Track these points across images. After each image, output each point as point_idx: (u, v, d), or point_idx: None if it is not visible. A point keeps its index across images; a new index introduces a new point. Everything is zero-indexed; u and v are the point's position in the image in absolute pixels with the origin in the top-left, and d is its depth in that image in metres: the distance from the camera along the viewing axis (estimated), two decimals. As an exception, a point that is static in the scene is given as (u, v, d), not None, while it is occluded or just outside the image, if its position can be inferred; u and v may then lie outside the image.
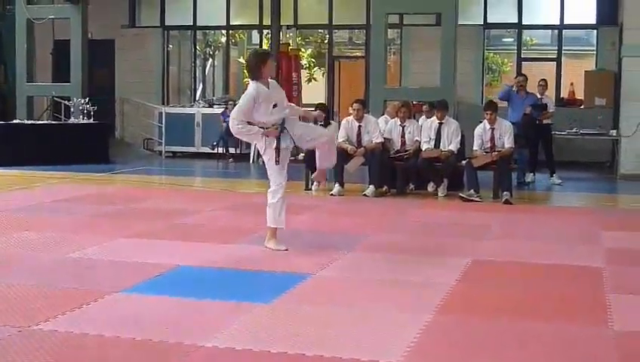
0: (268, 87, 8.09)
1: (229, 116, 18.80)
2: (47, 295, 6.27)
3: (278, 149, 8.16)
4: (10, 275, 6.93)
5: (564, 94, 19.83)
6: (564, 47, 20.59)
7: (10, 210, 10.84)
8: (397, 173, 13.37)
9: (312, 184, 13.56)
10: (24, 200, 11.73)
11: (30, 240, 8.59)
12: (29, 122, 18.44)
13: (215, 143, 19.13)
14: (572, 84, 19.80)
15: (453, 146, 13.07)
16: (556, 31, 20.84)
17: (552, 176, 15.28)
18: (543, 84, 15.78)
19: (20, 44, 19.18)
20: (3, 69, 21.85)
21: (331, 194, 12.83)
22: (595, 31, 20.42)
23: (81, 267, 7.36)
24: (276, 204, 8.23)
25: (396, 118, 13.72)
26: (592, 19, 20.11)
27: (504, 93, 15.44)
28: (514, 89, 15.12)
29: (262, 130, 8.09)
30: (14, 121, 18.26)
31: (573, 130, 16.95)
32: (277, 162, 8.18)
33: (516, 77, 15.51)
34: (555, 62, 20.39)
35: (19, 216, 10.23)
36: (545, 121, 15.38)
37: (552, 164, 15.41)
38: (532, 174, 15.24)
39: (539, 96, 15.39)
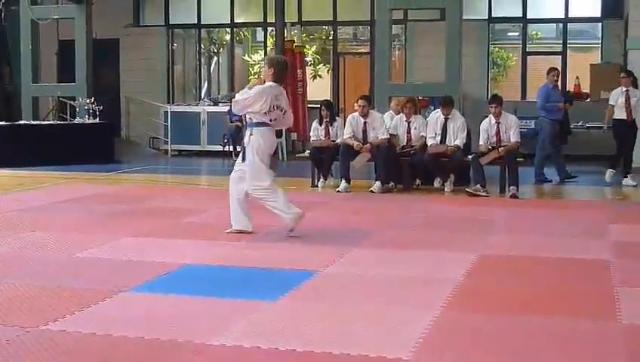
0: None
1: (234, 115, 18.99)
2: (54, 295, 6.28)
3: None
4: (18, 275, 6.94)
5: (569, 88, 19.78)
6: (569, 41, 20.58)
7: (18, 210, 10.85)
8: (403, 169, 13.36)
9: (318, 181, 13.57)
10: (31, 201, 11.74)
11: (38, 240, 8.60)
12: (35, 123, 18.43)
13: (226, 140, 19.13)
14: (577, 77, 19.76)
15: (460, 141, 13.05)
16: (561, 24, 20.83)
17: (626, 176, 14.19)
18: (625, 76, 14.56)
19: (25, 45, 19.17)
20: (8, 69, 21.85)
21: (338, 191, 12.82)
22: (600, 24, 20.41)
23: (89, 267, 7.37)
24: None
25: (402, 114, 13.73)
26: (597, 12, 20.11)
27: (546, 94, 14.54)
28: (551, 86, 14.61)
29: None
30: (20, 122, 18.25)
31: (580, 124, 16.91)
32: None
33: (550, 72, 14.76)
34: (560, 56, 20.36)
35: (26, 217, 10.25)
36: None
37: (629, 163, 14.42)
38: (614, 171, 14.40)
39: (624, 89, 14.33)
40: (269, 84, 8.87)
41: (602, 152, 17.53)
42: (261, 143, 8.78)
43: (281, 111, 8.92)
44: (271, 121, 8.85)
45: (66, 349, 4.97)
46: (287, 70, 9.10)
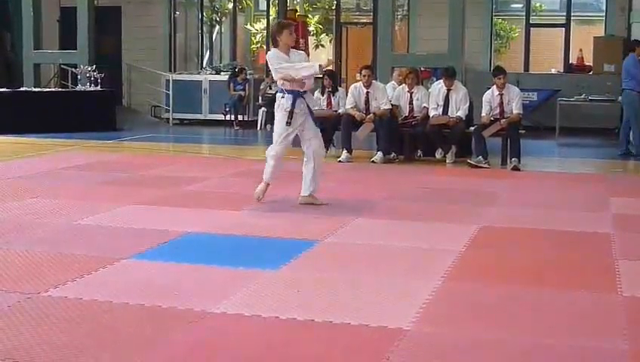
0: (287, 54, 8.78)
1: (239, 84, 18.99)
2: (56, 261, 6.28)
3: (291, 112, 8.67)
4: (20, 242, 6.94)
5: (572, 60, 19.75)
6: (572, 13, 20.48)
7: (20, 177, 10.85)
8: (405, 139, 13.35)
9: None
10: (33, 168, 11.74)
11: (39, 206, 8.60)
12: (37, 90, 18.41)
13: (228, 109, 19.13)
14: (581, 50, 19.71)
15: (462, 113, 13.03)
16: (565, -4, 20.73)
17: None
18: None
19: (27, 12, 19.10)
20: (10, 36, 21.79)
21: (339, 161, 12.81)
22: (604, -4, 20.32)
23: (90, 234, 7.37)
24: (269, 161, 8.89)
25: (404, 85, 13.70)
26: (601, -16, 20.02)
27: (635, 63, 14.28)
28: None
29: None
30: (22, 89, 18.23)
31: (582, 97, 16.88)
32: (288, 123, 8.69)
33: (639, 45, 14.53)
34: (563, 29, 20.28)
35: (27, 183, 10.24)
36: None
37: None
38: None
39: None
40: None
41: (605, 125, 17.58)
42: None
43: None
44: None
45: (66, 315, 4.98)
46: (276, 32, 8.86)
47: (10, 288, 5.52)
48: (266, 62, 9.14)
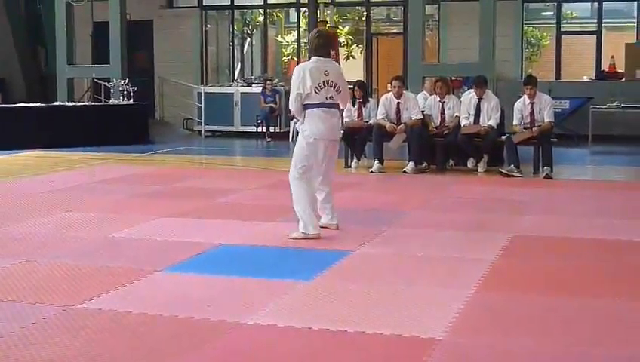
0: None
1: (269, 96, 19.02)
2: (90, 274, 6.34)
3: None
4: (55, 255, 7.01)
5: (604, 67, 19.64)
6: (604, 20, 20.38)
7: (54, 190, 10.95)
8: (437, 149, 13.33)
9: (351, 161, 13.58)
10: (67, 181, 11.85)
11: (74, 220, 8.68)
12: (70, 104, 18.59)
13: (260, 121, 19.21)
14: (612, 57, 19.59)
15: (493, 122, 12.99)
16: (596, 3, 20.62)
17: None
18: None
19: (60, 27, 19.28)
20: (44, 51, 22.01)
21: (371, 172, 12.82)
22: (635, 2, 20.24)
23: (124, 246, 7.44)
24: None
25: (435, 95, 13.69)
26: (632, -9, 19.91)
27: None
28: None
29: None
30: (55, 103, 18.41)
31: (614, 104, 16.78)
32: None
33: None
34: (595, 36, 20.19)
35: (62, 197, 10.34)
36: None
37: None
38: None
39: None
40: (313, 58, 7.97)
41: (638, 132, 17.45)
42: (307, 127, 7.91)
43: (334, 88, 7.88)
44: (327, 99, 7.85)
45: (101, 327, 5.03)
46: (324, 42, 8.05)
47: (46, 300, 5.58)
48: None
